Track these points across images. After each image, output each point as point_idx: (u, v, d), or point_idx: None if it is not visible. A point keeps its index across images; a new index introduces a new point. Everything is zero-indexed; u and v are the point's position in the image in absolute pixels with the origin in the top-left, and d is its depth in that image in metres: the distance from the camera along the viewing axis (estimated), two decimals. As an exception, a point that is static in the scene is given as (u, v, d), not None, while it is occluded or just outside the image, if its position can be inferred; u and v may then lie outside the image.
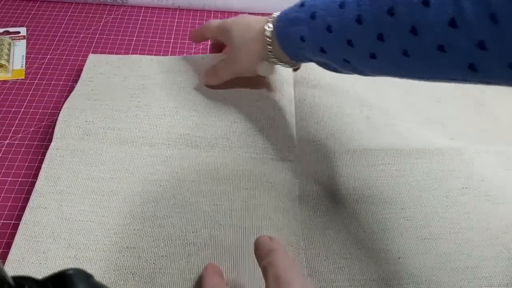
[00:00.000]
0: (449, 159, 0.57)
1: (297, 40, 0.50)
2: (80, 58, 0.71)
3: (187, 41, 0.75)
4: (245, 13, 0.81)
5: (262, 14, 0.81)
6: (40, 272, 0.45)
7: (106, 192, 0.52)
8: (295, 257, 0.48)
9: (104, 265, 0.46)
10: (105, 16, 0.79)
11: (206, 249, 0.47)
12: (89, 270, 0.45)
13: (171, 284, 0.45)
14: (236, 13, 0.81)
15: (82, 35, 0.75)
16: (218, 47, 0.67)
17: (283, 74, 0.64)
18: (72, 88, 0.67)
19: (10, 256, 0.46)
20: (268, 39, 0.54)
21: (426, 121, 0.62)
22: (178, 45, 0.75)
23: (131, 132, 0.57)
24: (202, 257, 0.47)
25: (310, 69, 0.65)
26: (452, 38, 0.36)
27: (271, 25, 0.54)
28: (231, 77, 0.61)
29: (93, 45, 0.74)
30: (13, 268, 0.45)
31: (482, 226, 0.51)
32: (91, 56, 0.67)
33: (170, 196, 0.52)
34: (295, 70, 0.64)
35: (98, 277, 0.45)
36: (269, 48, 0.54)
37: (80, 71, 0.69)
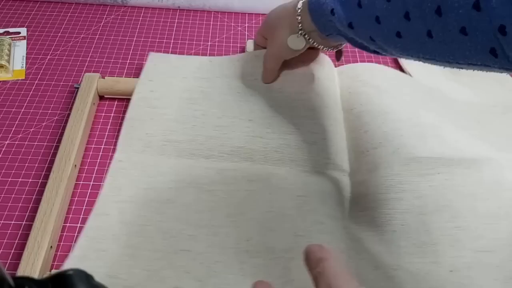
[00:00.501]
0: (499, 170, 0.55)
1: (327, 13, 0.51)
2: (80, 58, 0.71)
3: (187, 41, 0.75)
4: (245, 13, 0.82)
5: (263, 15, 0.81)
6: (99, 266, 0.47)
7: (164, 201, 0.53)
8: (346, 264, 0.48)
9: (159, 263, 0.48)
10: (105, 16, 0.79)
11: (258, 256, 0.49)
12: (145, 267, 0.47)
13: (224, 285, 0.47)
14: (237, 13, 0.81)
15: (82, 36, 0.75)
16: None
17: (330, 84, 0.64)
18: (73, 89, 0.67)
19: (73, 253, 0.48)
20: (298, 10, 0.55)
21: (471, 135, 0.61)
22: (178, 46, 0.75)
23: (188, 145, 0.58)
24: (254, 264, 0.48)
25: (355, 77, 0.66)
26: (475, 21, 0.36)
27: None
28: (277, 63, 0.62)
29: (94, 45, 0.74)
30: (74, 263, 0.47)
31: None
32: (151, 55, 0.68)
33: (225, 206, 0.53)
34: (338, 58, 0.63)
35: (153, 273, 0.47)
36: (298, 20, 0.56)
37: (80, 71, 0.69)
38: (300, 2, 0.56)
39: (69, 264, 0.47)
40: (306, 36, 0.57)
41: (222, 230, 0.51)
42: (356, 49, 0.75)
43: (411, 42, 0.44)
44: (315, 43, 0.58)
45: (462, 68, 0.42)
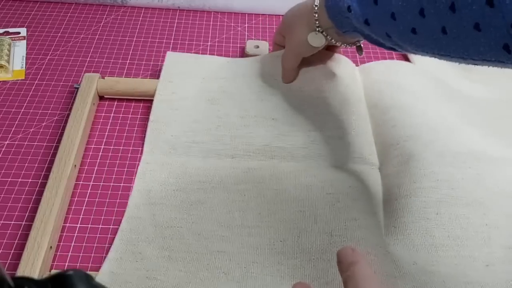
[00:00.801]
0: None
1: (344, 10, 0.51)
2: (80, 59, 0.71)
3: (187, 42, 0.75)
4: (245, 13, 0.82)
5: (263, 15, 0.82)
6: (136, 268, 0.48)
7: (193, 202, 0.54)
8: (381, 261, 0.48)
9: (196, 265, 0.48)
10: (105, 16, 0.79)
11: (294, 257, 0.49)
12: (182, 269, 0.48)
13: (263, 286, 0.47)
14: (237, 13, 0.81)
15: (82, 36, 0.75)
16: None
17: (350, 82, 0.64)
18: (72, 89, 0.67)
19: (110, 255, 0.49)
20: (315, 7, 0.56)
21: (492, 133, 0.62)
22: (178, 46, 0.75)
23: (213, 145, 0.59)
24: (291, 266, 0.48)
25: (376, 74, 0.66)
26: (488, 17, 0.37)
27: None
28: (296, 61, 0.62)
29: (93, 45, 0.74)
30: (112, 265, 0.48)
31: None
32: (169, 54, 0.68)
33: (255, 205, 0.54)
34: (359, 53, 0.63)
35: (191, 275, 0.47)
36: (315, 17, 0.56)
37: (80, 71, 0.69)
38: (317, 0, 0.56)
39: (106, 266, 0.48)
40: (323, 33, 0.57)
41: (254, 230, 0.51)
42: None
43: (426, 38, 0.44)
44: (332, 40, 0.58)
45: (476, 64, 0.42)
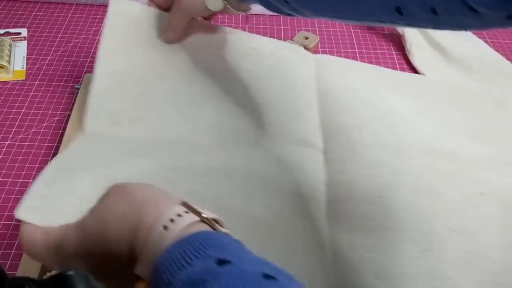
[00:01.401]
0: (473, 165, 0.57)
1: None
2: (81, 59, 0.71)
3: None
4: (246, 14, 0.81)
5: (263, 16, 0.82)
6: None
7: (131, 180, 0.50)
8: (317, 249, 0.48)
9: None
10: (105, 17, 0.79)
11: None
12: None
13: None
14: (237, 14, 0.81)
15: (83, 36, 0.75)
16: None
17: (304, 66, 0.65)
18: (73, 89, 0.67)
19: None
20: None
21: (444, 120, 0.63)
22: (179, 46, 0.75)
23: (158, 122, 0.56)
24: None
25: (332, 65, 0.67)
26: None
27: None
28: (185, 21, 0.60)
29: (94, 46, 0.74)
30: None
31: (499, 237, 0.51)
32: (113, 4, 0.63)
33: (200, 185, 0.50)
34: (246, 21, 0.63)
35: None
36: None
37: (81, 72, 0.69)
38: None
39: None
40: None
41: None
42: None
43: (323, 2, 0.46)
44: (228, 5, 0.57)
45: (371, 25, 0.45)
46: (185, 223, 0.32)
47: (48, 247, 0.36)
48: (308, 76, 0.65)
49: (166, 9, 0.62)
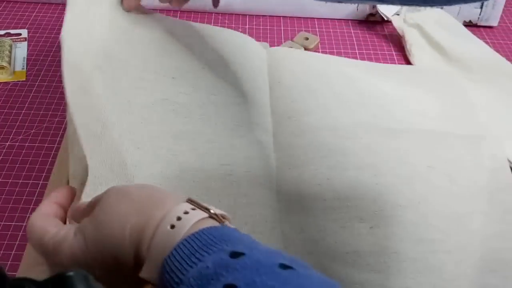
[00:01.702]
0: (422, 139, 0.58)
1: None
2: (81, 60, 0.72)
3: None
4: (246, 14, 0.82)
5: (263, 16, 0.82)
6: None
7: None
8: (268, 237, 0.48)
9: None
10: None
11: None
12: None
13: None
14: (237, 15, 0.81)
15: (83, 37, 0.76)
16: None
17: (257, 57, 0.66)
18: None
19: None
20: None
21: (400, 98, 0.64)
22: (179, 47, 0.75)
23: (112, 94, 0.52)
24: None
25: (283, 55, 0.68)
26: None
27: None
28: None
29: (94, 47, 0.74)
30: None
31: (447, 206, 0.52)
32: None
33: (146, 163, 0.48)
34: (215, 4, 0.62)
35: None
36: None
37: (81, 73, 0.69)
38: None
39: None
40: None
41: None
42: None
43: None
44: None
45: (352, 2, 0.45)
46: (193, 221, 0.31)
47: (43, 246, 0.35)
48: (262, 65, 0.66)
49: None
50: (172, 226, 0.31)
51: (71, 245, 0.34)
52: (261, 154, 0.55)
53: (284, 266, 0.27)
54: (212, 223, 0.32)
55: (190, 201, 0.33)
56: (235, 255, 0.28)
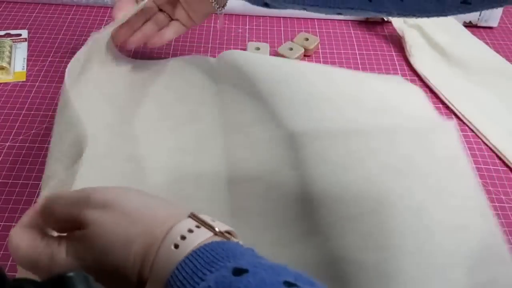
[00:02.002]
0: (365, 139, 0.57)
1: None
2: (81, 60, 0.72)
3: (188, 44, 0.76)
4: (246, 15, 0.82)
5: (263, 17, 0.82)
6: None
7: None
8: None
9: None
10: (106, 18, 0.80)
11: None
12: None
13: None
14: (237, 15, 0.81)
15: (83, 38, 0.76)
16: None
17: (205, 70, 0.66)
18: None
19: None
20: None
21: (350, 98, 0.63)
22: (179, 48, 0.75)
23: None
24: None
25: (232, 61, 0.67)
26: None
27: None
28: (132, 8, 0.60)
29: (94, 47, 0.74)
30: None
31: (402, 204, 0.51)
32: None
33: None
34: (221, 7, 0.63)
35: None
36: None
37: (81, 73, 0.69)
38: None
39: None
40: None
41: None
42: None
43: None
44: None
45: (341, 13, 0.47)
46: (198, 241, 0.30)
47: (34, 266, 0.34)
48: (209, 79, 0.66)
49: None
50: (176, 246, 0.30)
51: (62, 266, 0.33)
52: (211, 171, 0.55)
53: (288, 284, 0.26)
54: (216, 239, 0.31)
55: (193, 216, 0.32)
56: (238, 272, 0.27)
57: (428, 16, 0.42)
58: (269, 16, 0.82)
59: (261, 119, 0.59)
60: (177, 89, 0.64)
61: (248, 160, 0.56)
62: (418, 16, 0.43)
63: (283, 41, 0.77)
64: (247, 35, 0.78)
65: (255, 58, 0.69)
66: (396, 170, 0.54)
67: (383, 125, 0.59)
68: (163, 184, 0.53)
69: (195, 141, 0.58)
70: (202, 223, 0.32)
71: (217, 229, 0.31)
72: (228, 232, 0.32)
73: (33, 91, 0.67)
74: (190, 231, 0.31)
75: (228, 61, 0.68)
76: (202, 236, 0.31)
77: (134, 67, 0.67)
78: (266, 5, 0.54)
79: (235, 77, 0.65)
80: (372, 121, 0.60)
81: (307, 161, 0.55)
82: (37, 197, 0.54)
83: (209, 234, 0.31)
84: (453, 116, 0.67)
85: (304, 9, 0.50)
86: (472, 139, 0.64)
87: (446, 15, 0.41)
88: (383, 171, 0.54)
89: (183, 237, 0.30)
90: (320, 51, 0.76)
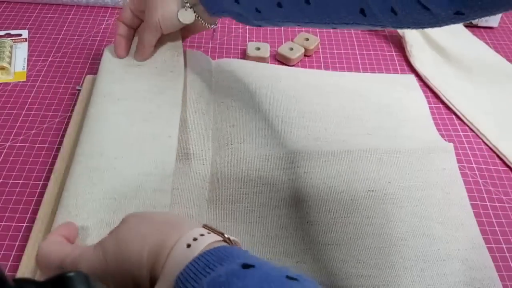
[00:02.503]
0: (357, 161, 0.56)
1: None
2: (81, 60, 0.72)
3: (188, 44, 0.76)
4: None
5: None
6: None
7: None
8: None
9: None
10: (106, 18, 0.80)
11: None
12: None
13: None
14: (237, 15, 0.81)
15: (83, 38, 0.76)
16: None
17: (201, 77, 0.64)
18: (74, 91, 0.67)
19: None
20: None
21: (344, 119, 0.63)
22: (180, 48, 0.75)
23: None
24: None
25: (229, 72, 0.66)
26: None
27: None
28: (156, 36, 0.60)
29: (95, 47, 0.74)
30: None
31: (383, 232, 0.51)
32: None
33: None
34: (211, 28, 0.61)
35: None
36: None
37: (82, 73, 0.69)
38: None
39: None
40: (193, 9, 0.57)
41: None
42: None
43: (292, 10, 0.49)
44: (199, 18, 0.58)
45: (336, 27, 0.48)
46: (208, 241, 0.34)
47: (62, 262, 0.39)
48: (206, 85, 0.64)
49: (135, 28, 0.63)
50: (188, 245, 0.33)
51: (89, 259, 0.37)
52: (193, 186, 0.54)
53: (291, 278, 0.29)
54: (225, 245, 0.35)
55: (206, 226, 0.36)
56: (246, 266, 0.30)
57: (422, 28, 0.43)
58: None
59: (249, 137, 0.59)
60: (174, 91, 0.61)
61: (232, 175, 0.55)
62: (413, 28, 0.44)
63: (283, 41, 0.77)
64: (247, 34, 0.78)
65: (252, 68, 0.68)
66: (385, 194, 0.54)
67: (379, 146, 0.58)
68: (146, 195, 0.50)
69: (183, 153, 0.57)
70: (213, 230, 0.36)
71: (226, 236, 0.35)
72: (235, 243, 0.36)
73: (34, 91, 0.67)
74: (202, 235, 0.34)
75: (225, 70, 0.67)
76: (212, 238, 0.34)
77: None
78: (259, 26, 0.55)
79: (230, 87, 0.64)
80: (367, 141, 0.60)
81: (291, 187, 0.55)
82: (37, 196, 0.54)
83: (219, 238, 0.35)
84: (453, 116, 0.67)
85: (299, 25, 0.52)
86: (472, 139, 0.64)
87: (440, 26, 0.42)
88: (372, 194, 0.54)
89: (195, 239, 0.34)
90: (320, 51, 0.76)
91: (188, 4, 0.57)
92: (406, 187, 0.55)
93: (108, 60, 0.62)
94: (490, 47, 0.77)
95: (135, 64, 0.62)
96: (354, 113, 0.64)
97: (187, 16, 0.58)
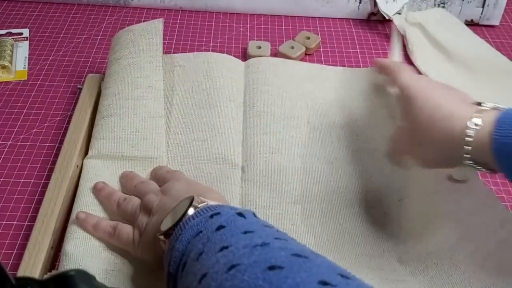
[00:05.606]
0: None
1: None
2: (82, 59, 0.72)
3: (189, 42, 0.76)
4: (247, 14, 0.82)
5: (264, 16, 0.81)
6: None
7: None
8: None
9: None
10: (107, 17, 0.80)
11: None
12: None
13: None
14: (239, 14, 0.81)
15: (84, 37, 0.76)
16: None
17: (232, 78, 0.64)
18: (75, 89, 0.67)
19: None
20: (468, 140, 0.42)
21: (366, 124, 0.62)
22: (180, 46, 0.75)
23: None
24: None
25: (262, 73, 0.65)
26: None
27: (479, 122, 0.42)
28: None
29: (96, 46, 0.74)
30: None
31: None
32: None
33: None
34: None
35: None
36: (467, 156, 0.43)
37: (83, 72, 0.69)
38: (472, 129, 0.42)
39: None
40: (477, 165, 0.44)
41: None
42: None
43: None
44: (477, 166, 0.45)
45: None
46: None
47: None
48: (236, 87, 0.63)
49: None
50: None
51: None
52: (227, 188, 0.54)
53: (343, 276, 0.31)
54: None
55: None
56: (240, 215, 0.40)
57: None
58: (270, 15, 0.82)
59: (283, 147, 0.58)
60: (203, 91, 0.62)
61: (263, 184, 0.55)
62: None
63: (284, 39, 0.77)
64: (248, 33, 0.78)
65: (284, 67, 0.67)
66: (415, 200, 0.53)
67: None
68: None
69: (216, 153, 0.57)
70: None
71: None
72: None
73: (35, 90, 0.67)
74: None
75: (256, 71, 0.66)
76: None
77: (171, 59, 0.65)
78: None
79: (261, 91, 0.63)
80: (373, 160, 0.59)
81: (324, 199, 0.55)
82: (38, 195, 0.54)
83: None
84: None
85: None
86: (473, 138, 0.64)
87: None
88: (401, 203, 0.54)
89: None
90: (321, 49, 0.76)
91: (471, 162, 0.43)
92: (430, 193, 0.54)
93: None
94: (492, 45, 0.77)
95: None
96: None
97: (464, 174, 0.50)
